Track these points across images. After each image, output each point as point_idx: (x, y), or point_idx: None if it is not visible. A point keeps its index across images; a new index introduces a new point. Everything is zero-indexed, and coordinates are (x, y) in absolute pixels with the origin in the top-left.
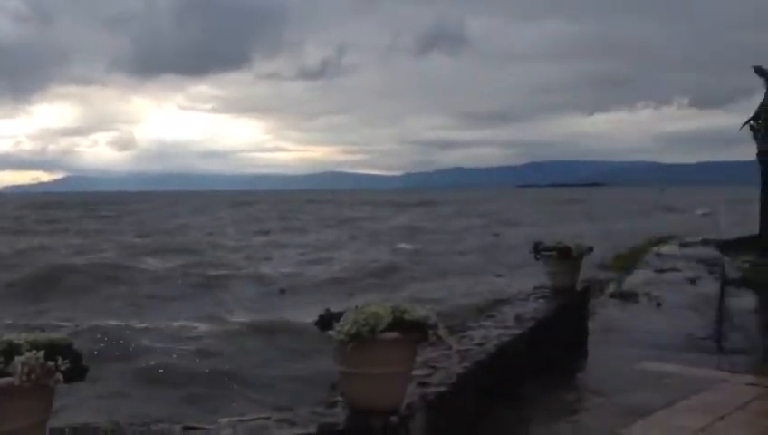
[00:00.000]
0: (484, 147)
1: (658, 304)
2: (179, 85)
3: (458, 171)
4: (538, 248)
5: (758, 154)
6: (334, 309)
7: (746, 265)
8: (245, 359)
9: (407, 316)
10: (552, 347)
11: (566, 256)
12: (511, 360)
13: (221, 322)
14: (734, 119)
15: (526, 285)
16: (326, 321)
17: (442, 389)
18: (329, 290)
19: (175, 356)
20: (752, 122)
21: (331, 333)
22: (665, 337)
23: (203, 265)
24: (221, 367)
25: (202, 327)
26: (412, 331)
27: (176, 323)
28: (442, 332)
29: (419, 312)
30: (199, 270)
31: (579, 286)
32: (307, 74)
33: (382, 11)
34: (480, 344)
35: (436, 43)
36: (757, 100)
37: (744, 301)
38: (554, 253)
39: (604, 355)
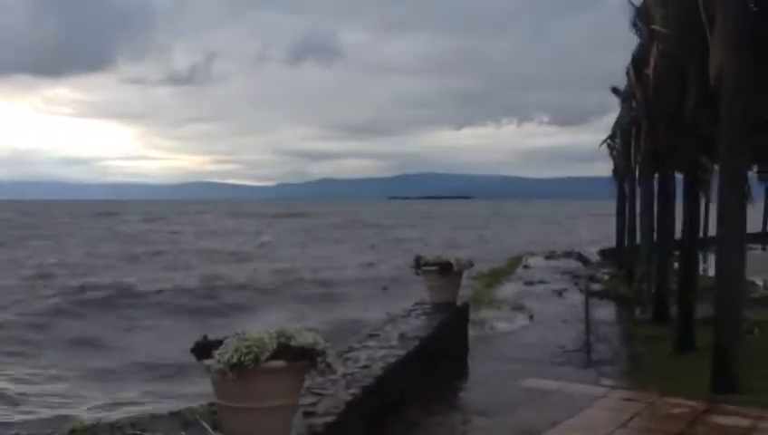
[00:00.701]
0: (357, 158)
1: (531, 317)
2: (34, 87)
3: (331, 182)
4: (419, 263)
5: (613, 171)
6: (212, 335)
7: (606, 277)
8: None
9: (293, 342)
10: (435, 365)
11: (447, 271)
12: (397, 382)
13: None
14: (590, 136)
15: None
16: (204, 348)
17: (329, 419)
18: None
19: None
20: (609, 141)
21: (208, 362)
22: (539, 350)
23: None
24: None
25: None
26: (299, 358)
27: None
28: (331, 358)
29: (307, 337)
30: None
31: (459, 301)
32: (175, 80)
33: (252, 20)
34: (365, 367)
35: (309, 53)
36: (609, 119)
37: (606, 311)
38: (435, 268)
39: (485, 372)
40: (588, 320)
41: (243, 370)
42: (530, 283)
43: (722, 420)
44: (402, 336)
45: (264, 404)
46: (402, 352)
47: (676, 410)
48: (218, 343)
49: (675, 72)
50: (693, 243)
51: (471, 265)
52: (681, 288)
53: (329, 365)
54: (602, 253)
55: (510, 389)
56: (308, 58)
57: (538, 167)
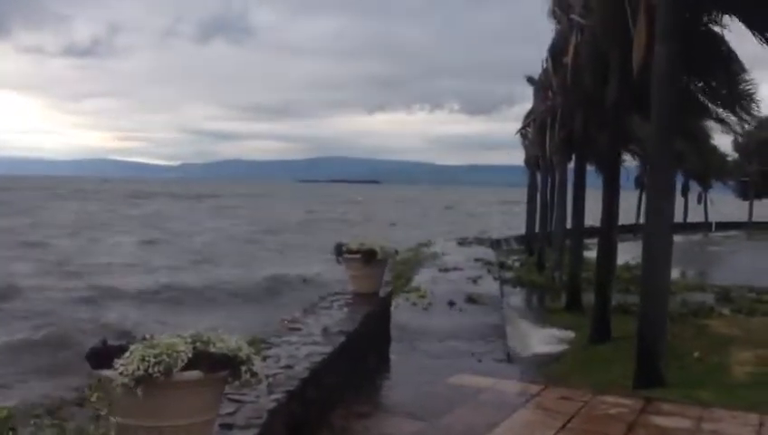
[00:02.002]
0: (266, 140)
1: (450, 304)
2: None
3: (238, 163)
4: (341, 250)
5: (525, 160)
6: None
7: (517, 264)
8: None
9: (212, 349)
10: (361, 362)
11: (371, 260)
12: (323, 383)
13: None
14: (498, 126)
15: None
16: (102, 356)
17: (251, 432)
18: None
19: None
20: (522, 130)
21: (108, 373)
22: (461, 341)
23: None
24: None
25: None
26: (220, 367)
27: None
28: (257, 367)
29: (228, 342)
30: None
31: (383, 292)
32: (76, 52)
33: None
34: (288, 367)
35: (219, 31)
36: (518, 109)
37: (520, 299)
38: (358, 256)
39: (409, 366)
40: (503, 308)
41: (152, 383)
42: (444, 269)
43: (661, 421)
44: (326, 330)
45: (177, 422)
46: (327, 349)
47: (614, 411)
48: (120, 349)
49: (597, 61)
50: (612, 232)
51: (396, 253)
52: (599, 278)
53: (254, 375)
54: (515, 240)
55: (439, 387)
56: (218, 35)
57: (448, 154)
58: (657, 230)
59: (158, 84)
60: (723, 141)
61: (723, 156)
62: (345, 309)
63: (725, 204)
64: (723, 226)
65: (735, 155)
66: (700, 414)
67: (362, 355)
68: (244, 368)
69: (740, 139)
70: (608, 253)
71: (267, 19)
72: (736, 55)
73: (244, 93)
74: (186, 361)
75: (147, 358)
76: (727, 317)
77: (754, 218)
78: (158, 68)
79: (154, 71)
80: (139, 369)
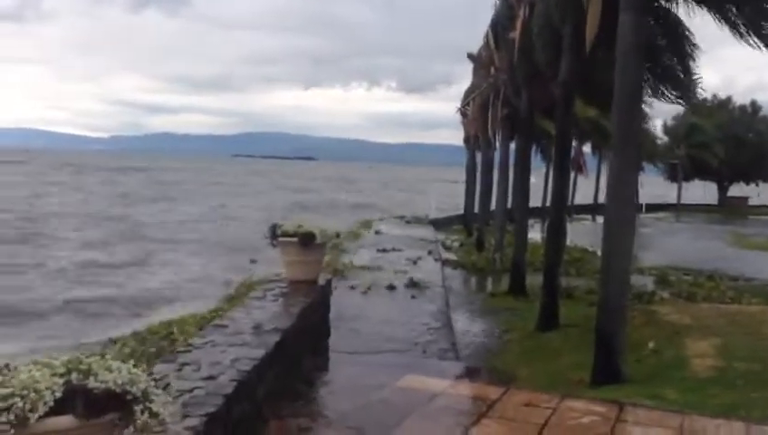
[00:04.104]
0: (199, 114)
1: (390, 287)
2: None
3: (168, 137)
4: (275, 233)
5: (464, 139)
6: None
7: (456, 245)
8: None
9: (93, 382)
10: (297, 365)
11: (309, 243)
12: (253, 395)
13: None
14: (436, 105)
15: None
16: None
17: None
18: None
19: None
20: (462, 108)
21: None
22: (405, 331)
23: None
24: None
25: None
26: (103, 409)
27: None
28: (159, 404)
29: (119, 373)
30: None
31: (322, 279)
32: (1, 16)
33: None
34: (211, 378)
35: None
36: (455, 90)
37: (461, 282)
38: (295, 239)
39: (350, 364)
40: (446, 293)
41: None
42: (383, 250)
43: (641, 432)
44: (258, 328)
45: None
46: (259, 353)
47: (586, 420)
48: None
49: (549, 36)
50: (562, 213)
51: (337, 235)
52: (548, 260)
53: (155, 416)
54: (451, 219)
55: (387, 391)
56: (152, 4)
57: (385, 132)
58: (621, 213)
59: (86, 52)
60: (653, 124)
61: (654, 138)
62: (280, 300)
63: (655, 186)
64: (653, 207)
65: (665, 138)
66: (680, 423)
67: (299, 354)
68: (139, 407)
69: (669, 122)
70: (557, 234)
71: None
72: (689, 36)
73: (177, 65)
74: (52, 402)
75: None
76: (671, 302)
77: (682, 201)
78: (88, 36)
79: (82, 38)
80: None
